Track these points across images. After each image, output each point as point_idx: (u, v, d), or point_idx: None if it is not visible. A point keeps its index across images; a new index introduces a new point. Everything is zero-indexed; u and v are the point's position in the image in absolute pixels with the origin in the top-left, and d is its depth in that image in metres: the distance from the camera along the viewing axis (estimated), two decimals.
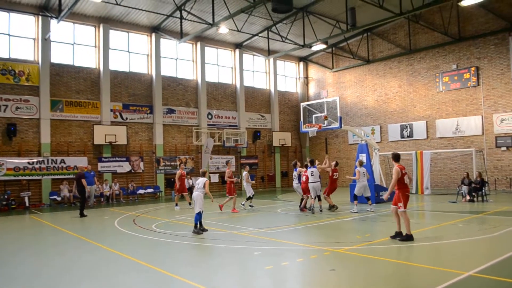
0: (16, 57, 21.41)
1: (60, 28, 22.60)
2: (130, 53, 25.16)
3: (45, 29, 21.65)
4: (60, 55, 22.71)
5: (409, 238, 9.49)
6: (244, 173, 17.51)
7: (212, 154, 26.90)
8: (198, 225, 11.18)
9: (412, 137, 26.54)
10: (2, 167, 20.04)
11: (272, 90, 31.67)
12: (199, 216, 11.10)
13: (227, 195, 16.48)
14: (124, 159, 23.72)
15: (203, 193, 11.28)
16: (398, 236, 9.70)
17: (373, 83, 29.11)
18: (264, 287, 6.65)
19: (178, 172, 18.06)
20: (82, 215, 15.96)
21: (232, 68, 29.79)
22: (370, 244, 9.34)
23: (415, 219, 13.67)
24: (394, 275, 6.96)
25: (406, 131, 26.88)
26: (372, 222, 12.93)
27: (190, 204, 17.25)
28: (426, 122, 25.92)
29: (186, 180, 19.00)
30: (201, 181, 11.36)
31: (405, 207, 9.70)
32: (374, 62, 28.96)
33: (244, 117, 29.67)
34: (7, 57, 21.19)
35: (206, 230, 11.27)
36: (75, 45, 23.17)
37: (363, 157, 18.21)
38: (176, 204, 17.96)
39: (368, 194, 15.63)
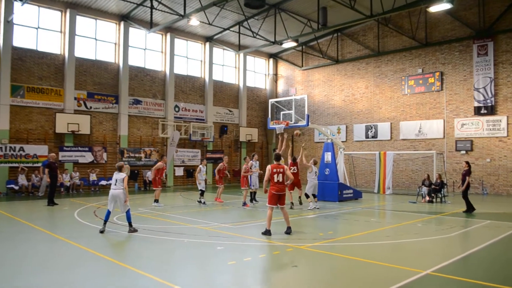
0: None
1: (24, 11, 21.76)
2: (97, 41, 24.49)
3: (8, 11, 20.76)
4: (23, 39, 21.85)
5: (267, 233, 10.04)
6: (200, 166, 17.30)
7: (178, 147, 26.61)
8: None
9: (376, 137, 27.06)
10: None
11: (241, 85, 31.59)
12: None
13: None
14: (87, 149, 23.09)
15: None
16: (289, 230, 10.29)
17: (341, 83, 29.48)
18: (226, 282, 6.61)
19: (160, 163, 16.19)
20: (51, 203, 15.68)
21: (201, 61, 29.52)
22: (332, 241, 9.46)
23: (375, 218, 13.95)
24: (354, 272, 7.06)
25: (371, 131, 27.37)
26: (335, 220, 13.09)
27: (157, 201, 15.89)
28: (391, 123, 26.47)
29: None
30: (119, 178, 10.32)
31: (268, 203, 10.20)
32: (343, 63, 29.33)
33: (212, 111, 29.48)
34: None
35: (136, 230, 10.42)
36: (39, 29, 22.34)
37: (328, 155, 18.43)
38: (156, 200, 16.03)
39: (316, 192, 15.72)
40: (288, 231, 10.24)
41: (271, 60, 33.79)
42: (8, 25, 20.90)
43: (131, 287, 6.18)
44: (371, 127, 27.36)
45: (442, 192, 18.39)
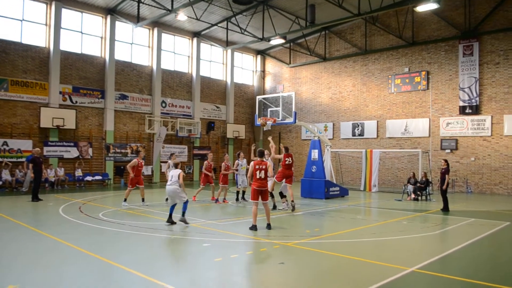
0: None
1: (8, 2, 21.38)
2: (83, 34, 24.17)
3: None
4: (7, 31, 21.46)
5: (253, 228, 10.19)
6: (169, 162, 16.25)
7: (164, 143, 26.45)
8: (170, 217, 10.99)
9: (363, 135, 27.22)
10: None
11: (229, 81, 31.50)
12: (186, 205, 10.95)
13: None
14: (72, 144, 22.80)
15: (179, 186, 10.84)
16: (268, 226, 10.41)
17: (328, 80, 29.57)
18: (212, 279, 6.59)
19: (134, 160, 15.08)
20: (35, 199, 15.55)
21: (189, 56, 29.34)
22: (319, 239, 9.49)
23: (361, 216, 14.04)
24: (340, 269, 7.10)
25: (357, 129, 27.52)
26: (321, 217, 13.15)
27: (143, 200, 15.09)
28: (377, 121, 26.65)
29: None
30: (175, 173, 10.88)
31: (251, 198, 10.49)
32: (331, 60, 29.41)
33: (199, 107, 29.35)
34: None
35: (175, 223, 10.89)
36: (24, 21, 21.96)
37: (315, 153, 18.47)
38: (125, 199, 14.70)
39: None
40: (268, 227, 10.35)
41: (258, 57, 33.75)
42: None
43: (117, 284, 6.12)
44: (358, 125, 27.51)
45: (427, 190, 18.57)
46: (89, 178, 22.90)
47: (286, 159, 14.80)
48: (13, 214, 12.45)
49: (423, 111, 24.77)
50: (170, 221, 10.83)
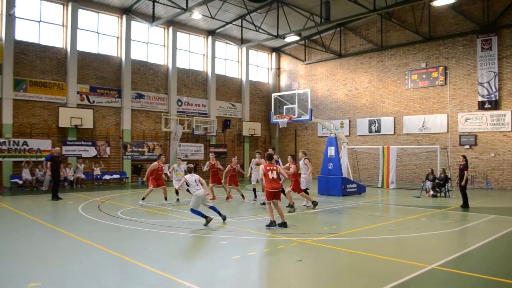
0: None
1: (25, 4, 21.71)
2: (99, 34, 24.43)
3: (10, 4, 20.71)
4: (25, 33, 21.80)
5: (271, 224, 10.22)
6: (174, 166, 16.61)
7: (180, 142, 26.59)
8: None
9: (380, 132, 26.98)
10: None
11: (244, 79, 31.51)
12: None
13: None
14: (90, 143, 23.09)
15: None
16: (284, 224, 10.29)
17: (344, 77, 29.37)
18: (231, 276, 6.60)
19: (154, 164, 15.15)
20: (55, 198, 15.73)
21: (204, 55, 29.42)
22: (337, 236, 9.44)
23: (379, 213, 13.93)
24: (359, 266, 7.04)
25: (374, 126, 27.29)
26: (339, 214, 13.07)
27: (166, 199, 15.23)
28: (394, 118, 26.39)
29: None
30: (197, 178, 10.84)
31: (266, 199, 10.44)
32: (346, 57, 29.20)
33: (215, 105, 29.43)
34: None
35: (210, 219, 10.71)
36: (41, 22, 22.29)
37: (331, 150, 18.36)
38: (143, 198, 14.88)
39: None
40: (284, 226, 10.28)
41: (273, 54, 33.68)
42: (10, 18, 20.83)
43: (136, 281, 6.17)
44: (375, 122, 27.27)
45: (446, 186, 18.33)
46: (107, 177, 23.16)
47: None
48: (34, 213, 12.65)
49: (441, 106, 24.44)
50: (209, 219, 10.57)
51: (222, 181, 16.39)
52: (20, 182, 20.14)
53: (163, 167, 15.68)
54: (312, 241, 8.77)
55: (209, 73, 29.28)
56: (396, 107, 26.39)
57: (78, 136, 22.85)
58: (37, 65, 21.95)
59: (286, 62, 33.42)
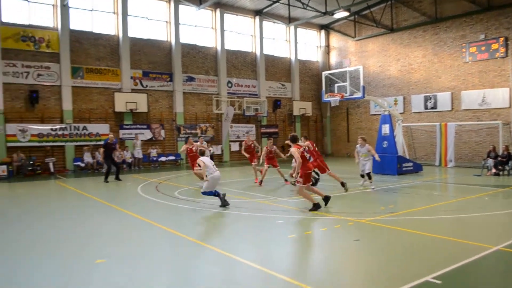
0: (35, 24, 21.34)
1: None
2: (149, 20, 24.85)
3: None
4: (79, 22, 22.53)
5: (316, 206, 9.74)
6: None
7: (232, 123, 26.80)
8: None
9: (436, 108, 25.94)
10: (26, 134, 20.34)
11: (293, 58, 31.16)
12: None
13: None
14: (145, 126, 23.81)
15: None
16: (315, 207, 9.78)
17: (396, 52, 28.37)
18: (288, 255, 6.63)
19: (184, 147, 15.57)
20: (106, 180, 16.43)
21: (252, 35, 29.30)
22: (394, 215, 9.24)
23: (438, 192, 13.50)
24: (419, 246, 6.85)
25: (430, 102, 26.28)
26: (395, 194, 12.78)
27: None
28: (451, 93, 25.25)
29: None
30: (210, 160, 10.82)
31: (304, 183, 9.84)
32: (398, 31, 28.12)
33: (264, 85, 29.36)
34: (27, 23, 21.12)
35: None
36: (93, 11, 22.95)
37: (386, 128, 17.91)
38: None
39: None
40: (327, 200, 10.14)
41: (322, 32, 33.00)
42: (64, 9, 21.60)
43: (195, 259, 6.32)
44: (430, 98, 26.24)
45: (509, 164, 17.45)
46: (163, 158, 23.84)
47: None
48: (96, 194, 13.25)
49: (502, 80, 23.11)
50: (226, 203, 10.37)
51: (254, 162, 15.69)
52: (82, 165, 21.11)
53: (193, 149, 15.18)
54: (369, 221, 8.64)
55: (258, 53, 29.16)
56: (453, 82, 25.23)
57: (133, 120, 23.60)
58: (92, 52, 22.71)
59: (336, 39, 32.69)
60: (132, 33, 23.92)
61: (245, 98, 27.85)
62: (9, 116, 20.33)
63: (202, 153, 10.89)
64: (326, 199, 10.15)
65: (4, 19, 20.41)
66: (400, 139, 19.94)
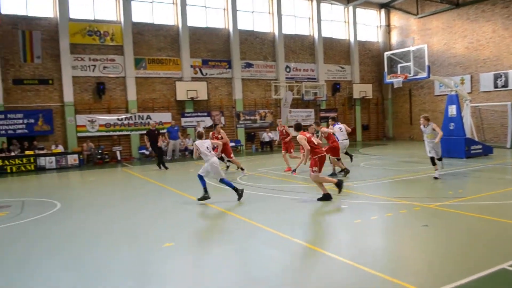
0: (100, 18, 22.25)
1: None
2: (207, 8, 25.13)
3: None
4: (140, 14, 23.21)
5: (327, 197, 9.21)
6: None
7: (291, 108, 26.68)
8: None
9: (507, 86, 24.36)
10: (94, 124, 21.43)
11: (352, 40, 30.39)
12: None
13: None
14: (206, 114, 24.29)
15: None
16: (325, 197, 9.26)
17: (462, 28, 26.87)
18: (354, 240, 6.54)
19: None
20: (158, 167, 16.73)
21: (309, 18, 28.84)
22: (464, 200, 8.84)
23: (510, 175, 12.76)
24: (492, 232, 6.52)
25: (500, 80, 24.74)
26: (464, 178, 12.22)
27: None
28: None
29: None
30: (209, 144, 9.82)
31: (319, 171, 9.25)
32: (464, 6, 26.57)
33: (323, 69, 28.90)
34: (92, 18, 22.08)
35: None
36: (154, 3, 23.54)
37: (452, 109, 17.08)
38: (242, 169, 14.48)
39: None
40: (341, 185, 9.38)
41: (382, 11, 31.87)
42: (126, 2, 22.37)
43: (262, 242, 6.37)
44: (501, 76, 24.69)
45: None
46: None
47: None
48: (161, 180, 13.73)
49: None
50: (206, 197, 9.58)
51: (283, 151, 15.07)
52: (147, 152, 21.90)
53: (219, 137, 14.43)
54: (436, 206, 8.33)
55: (316, 36, 28.71)
56: None
57: (194, 108, 24.15)
58: (153, 43, 23.37)
59: (397, 18, 31.47)
60: (191, 22, 24.31)
61: (304, 83, 27.60)
62: (79, 107, 21.48)
63: (200, 136, 9.91)
64: (339, 185, 9.39)
65: (71, 16, 21.43)
66: (468, 120, 18.97)
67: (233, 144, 24.62)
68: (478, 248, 5.86)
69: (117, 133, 22.05)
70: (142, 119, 22.50)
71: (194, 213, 8.82)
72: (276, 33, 27.02)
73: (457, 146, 16.65)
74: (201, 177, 9.59)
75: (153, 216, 8.68)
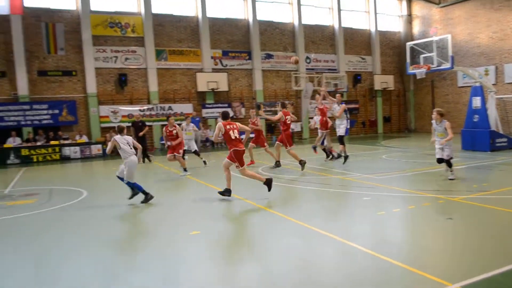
0: (121, 10, 22.48)
1: None
2: None
3: None
4: (160, 6, 23.33)
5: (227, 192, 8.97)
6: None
7: (311, 99, 26.56)
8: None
9: None
10: (117, 114, 21.75)
11: (373, 30, 30.02)
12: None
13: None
14: (226, 105, 24.37)
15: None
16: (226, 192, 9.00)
17: (486, 18, 26.28)
18: (379, 232, 6.56)
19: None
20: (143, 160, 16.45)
21: (329, 8, 28.57)
22: (489, 194, 8.74)
23: None
24: None
25: None
26: (489, 171, 12.07)
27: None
28: None
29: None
30: (130, 140, 9.08)
31: (241, 165, 9.11)
32: None
33: (344, 60, 28.66)
34: (113, 10, 22.31)
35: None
36: None
37: (477, 100, 16.78)
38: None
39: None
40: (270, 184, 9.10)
41: (403, 0, 31.36)
42: None
43: (286, 233, 6.44)
44: None
45: None
46: (242, 136, 24.15)
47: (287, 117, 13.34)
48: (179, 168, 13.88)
49: None
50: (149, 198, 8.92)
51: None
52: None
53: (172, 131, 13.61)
54: (461, 199, 8.27)
55: (336, 26, 28.45)
56: None
57: (215, 99, 24.28)
58: (173, 35, 23.51)
59: (418, 7, 30.94)
60: (211, 13, 24.34)
61: (324, 74, 27.42)
62: (102, 98, 21.81)
63: (120, 130, 9.08)
64: (268, 183, 9.09)
65: (92, 8, 21.67)
66: (493, 113, 18.59)
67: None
68: (504, 241, 5.83)
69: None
70: (164, 110, 22.74)
71: (219, 203, 8.93)
72: (296, 23, 26.87)
73: (482, 139, 16.38)
74: (131, 184, 8.80)
75: (182, 204, 8.89)
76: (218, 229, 7.02)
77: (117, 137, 8.84)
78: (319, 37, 28.09)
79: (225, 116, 9.54)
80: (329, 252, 5.75)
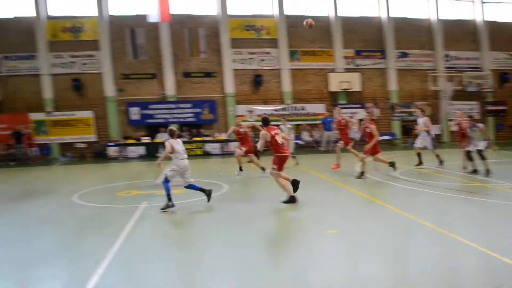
0: (255, 13, 23.54)
1: None
2: None
3: None
4: (293, 7, 23.84)
5: (292, 200, 8.68)
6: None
7: (451, 100, 24.77)
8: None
9: None
10: (252, 114, 22.79)
11: None
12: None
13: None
14: (359, 105, 24.00)
15: None
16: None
17: None
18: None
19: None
20: None
21: (471, 1, 26.28)
22: None
23: None
24: None
25: None
26: None
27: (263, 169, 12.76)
28: None
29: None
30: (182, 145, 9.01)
31: (278, 169, 8.81)
32: None
33: (488, 57, 26.24)
34: (248, 14, 23.47)
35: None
36: None
37: None
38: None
39: None
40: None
41: None
42: None
43: (424, 240, 6.20)
44: None
45: None
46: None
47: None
48: (318, 170, 14.03)
49: None
50: (171, 205, 8.59)
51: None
52: (302, 143, 22.50)
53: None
54: None
55: (479, 20, 26.14)
56: None
57: (347, 99, 24.07)
58: (306, 35, 23.87)
59: None
60: (343, 12, 24.20)
61: (466, 72, 25.41)
62: (239, 98, 23.05)
63: (172, 135, 8.87)
64: (294, 183, 8.84)
65: (229, 12, 22.93)
66: None
67: (388, 137, 23.97)
68: None
69: (274, 123, 22.96)
70: (297, 110, 23.21)
71: (355, 203, 9.08)
72: (433, 18, 25.36)
73: None
74: (166, 183, 8.67)
75: (318, 203, 9.05)
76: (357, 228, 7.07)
77: (172, 141, 8.76)
78: (460, 33, 26.11)
79: (266, 121, 9.12)
80: (466, 261, 5.52)
